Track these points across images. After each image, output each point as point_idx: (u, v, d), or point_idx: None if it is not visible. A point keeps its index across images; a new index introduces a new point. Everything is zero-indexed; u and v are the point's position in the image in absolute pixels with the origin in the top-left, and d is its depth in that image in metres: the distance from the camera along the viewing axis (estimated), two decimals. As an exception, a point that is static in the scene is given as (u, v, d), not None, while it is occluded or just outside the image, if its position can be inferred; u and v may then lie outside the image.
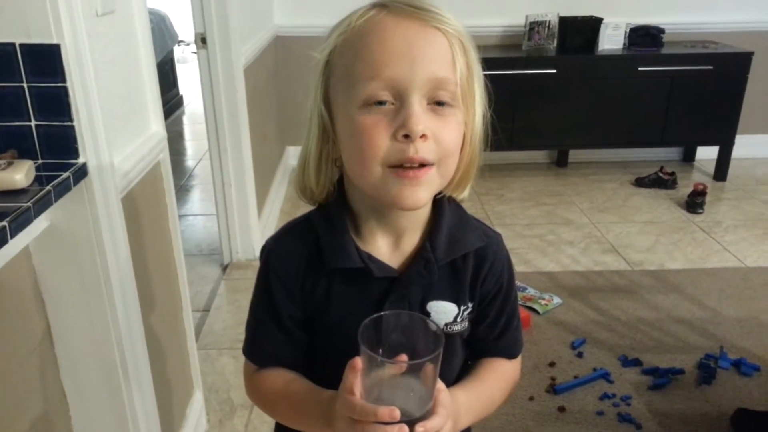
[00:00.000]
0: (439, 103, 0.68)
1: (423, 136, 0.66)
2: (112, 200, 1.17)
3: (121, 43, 1.33)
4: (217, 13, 2.46)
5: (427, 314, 0.78)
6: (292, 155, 4.06)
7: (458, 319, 0.80)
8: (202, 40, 2.52)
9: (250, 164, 2.75)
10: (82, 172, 1.08)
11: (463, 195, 0.81)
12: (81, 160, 1.09)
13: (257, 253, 3.03)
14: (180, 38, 6.04)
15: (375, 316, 0.66)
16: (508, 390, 0.88)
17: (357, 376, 0.64)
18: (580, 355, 2.16)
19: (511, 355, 0.88)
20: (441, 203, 0.79)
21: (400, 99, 0.67)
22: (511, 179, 3.83)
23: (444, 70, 0.67)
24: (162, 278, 1.59)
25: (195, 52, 2.55)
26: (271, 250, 0.82)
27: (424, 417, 0.64)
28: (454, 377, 0.83)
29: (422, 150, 0.67)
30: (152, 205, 1.50)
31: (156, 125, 1.51)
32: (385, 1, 0.71)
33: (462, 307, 0.80)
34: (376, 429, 0.61)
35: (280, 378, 0.81)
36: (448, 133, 0.69)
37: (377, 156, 0.67)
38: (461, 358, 0.86)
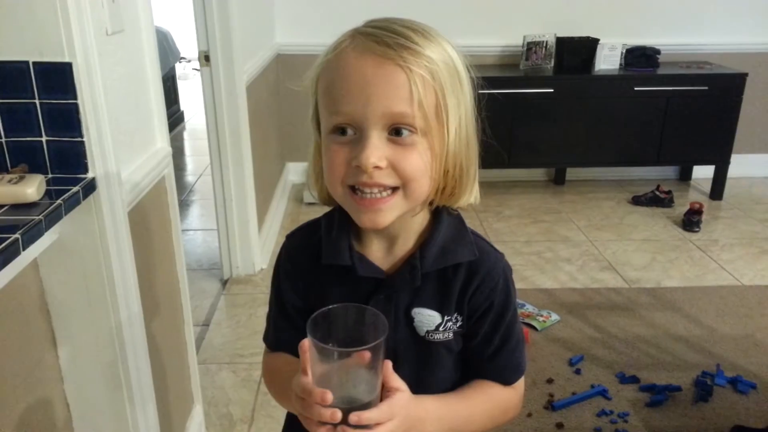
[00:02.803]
0: (400, 133, 0.71)
1: (377, 167, 0.71)
2: (119, 214, 1.19)
3: (129, 61, 1.36)
4: (221, 32, 2.51)
5: (411, 319, 0.82)
6: (292, 171, 4.10)
7: (440, 329, 0.82)
8: (205, 58, 2.56)
9: (251, 180, 2.78)
10: (91, 186, 1.10)
11: (462, 203, 0.81)
12: (90, 174, 1.11)
13: (257, 268, 3.05)
14: (181, 55, 6.11)
15: (323, 309, 0.70)
16: (497, 416, 0.86)
17: (307, 358, 0.69)
18: (577, 371, 2.17)
19: (503, 379, 0.86)
20: (439, 214, 0.82)
21: (359, 131, 0.72)
22: (509, 196, 3.86)
23: (400, 104, 0.70)
24: (165, 292, 1.61)
25: (196, 69, 2.59)
26: (284, 245, 0.90)
27: (367, 406, 0.67)
28: (440, 389, 0.84)
29: (377, 177, 0.71)
30: (157, 219, 1.53)
31: (161, 140, 1.53)
32: (360, 29, 0.75)
33: (446, 317, 0.82)
34: (314, 409, 0.66)
35: (280, 360, 0.88)
36: (408, 162, 0.72)
37: (338, 178, 0.74)
38: (450, 372, 0.86)
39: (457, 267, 0.81)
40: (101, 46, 1.15)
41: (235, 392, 2.14)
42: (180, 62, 6.44)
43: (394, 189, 0.73)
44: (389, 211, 0.74)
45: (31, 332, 1.13)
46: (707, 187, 3.88)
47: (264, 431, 1.97)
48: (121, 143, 1.27)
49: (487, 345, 0.84)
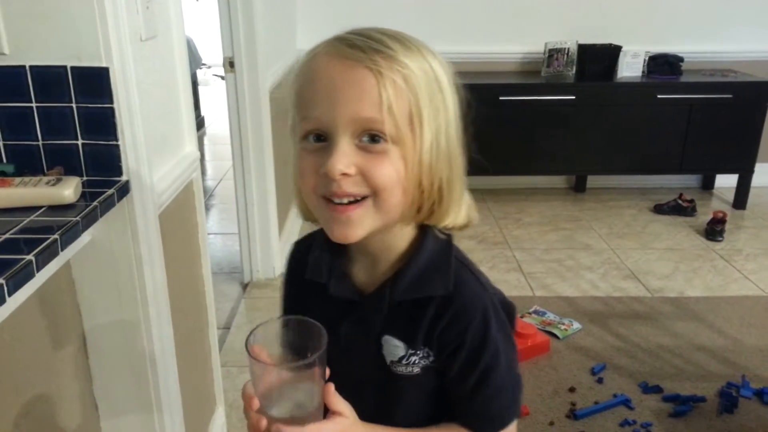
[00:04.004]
0: (372, 140, 0.68)
1: (345, 174, 0.67)
2: (150, 217, 1.21)
3: (161, 67, 1.38)
4: (246, 38, 2.53)
5: (381, 346, 0.78)
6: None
7: (403, 362, 0.77)
8: (230, 64, 2.59)
9: (272, 185, 2.80)
10: (125, 190, 1.12)
11: (448, 223, 0.75)
12: (124, 177, 1.13)
13: (277, 272, 3.06)
14: (203, 61, 6.17)
15: (262, 323, 0.69)
16: None
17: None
18: (600, 380, 2.15)
19: (474, 427, 0.79)
20: (425, 236, 0.77)
21: (329, 137, 0.68)
22: (528, 203, 3.84)
23: (369, 110, 0.66)
24: (191, 294, 1.62)
25: (216, 75, 2.62)
26: (290, 251, 0.91)
27: (306, 418, 0.68)
28: (406, 422, 0.80)
29: (346, 185, 0.68)
30: (184, 222, 1.55)
31: (190, 145, 1.55)
32: (338, 35, 0.72)
33: (410, 351, 0.77)
34: (247, 414, 0.70)
35: None
36: (379, 169, 0.68)
37: (310, 187, 0.71)
38: (419, 407, 0.81)
39: (430, 299, 0.75)
40: (136, 52, 1.17)
41: (256, 395, 2.15)
42: (201, 68, 6.52)
43: (364, 198, 0.69)
44: (359, 222, 0.70)
45: (62, 332, 1.15)
46: (730, 196, 3.84)
47: (285, 435, 1.98)
48: (153, 147, 1.29)
49: (460, 385, 0.77)
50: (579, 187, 4.07)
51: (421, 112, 0.68)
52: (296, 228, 3.41)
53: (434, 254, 0.76)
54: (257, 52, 2.57)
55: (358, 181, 0.68)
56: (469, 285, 0.76)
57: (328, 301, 0.79)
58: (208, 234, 3.61)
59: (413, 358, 0.77)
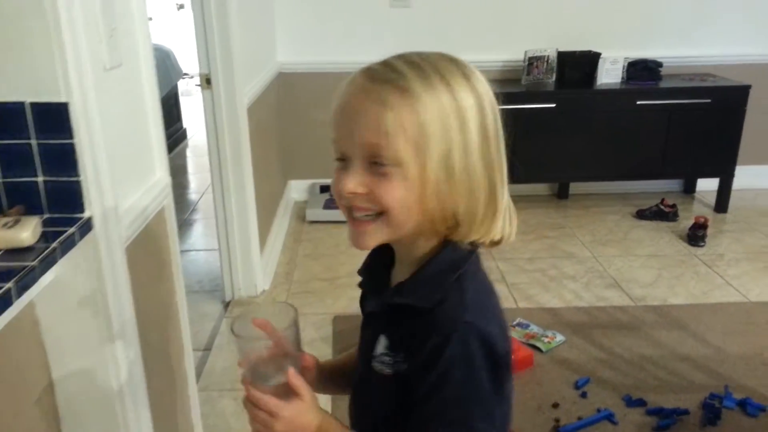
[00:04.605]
0: (378, 163, 0.74)
1: (353, 192, 0.76)
2: (116, 252, 1.18)
3: (127, 94, 1.35)
4: (222, 55, 2.51)
5: (377, 343, 0.84)
6: (294, 189, 4.09)
7: (380, 358, 0.82)
8: (206, 81, 2.56)
9: (252, 202, 2.77)
10: (87, 227, 1.09)
11: (474, 238, 0.79)
12: (87, 214, 1.10)
13: (259, 289, 3.02)
14: (184, 72, 6.13)
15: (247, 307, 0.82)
16: None
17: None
18: (584, 395, 2.14)
19: None
20: (443, 249, 0.80)
21: (347, 159, 0.77)
22: (512, 212, 3.84)
23: (375, 137, 0.73)
24: (164, 323, 1.59)
25: (198, 85, 2.59)
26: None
27: (276, 388, 0.79)
28: (374, 420, 0.84)
29: (359, 202, 0.76)
30: (156, 250, 1.51)
31: (160, 171, 1.52)
32: (371, 63, 0.78)
33: (389, 350, 0.81)
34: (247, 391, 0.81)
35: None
36: (384, 190, 0.74)
37: (338, 201, 0.80)
38: (385, 410, 0.82)
39: (418, 308, 0.78)
40: (99, 83, 1.15)
41: (236, 420, 2.12)
42: (183, 78, 6.47)
43: (379, 214, 0.76)
44: (371, 235, 0.78)
45: (27, 372, 1.12)
46: (712, 200, 3.86)
47: (267, 459, 1.95)
48: (120, 178, 1.26)
49: (413, 397, 0.77)
50: (562, 194, 4.08)
51: (428, 140, 0.73)
52: (278, 244, 3.38)
53: (442, 267, 0.79)
54: (234, 69, 2.55)
55: (368, 199, 0.76)
56: (451, 305, 0.76)
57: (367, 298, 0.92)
58: (190, 250, 3.59)
59: (386, 358, 0.81)
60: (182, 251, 3.52)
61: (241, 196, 2.74)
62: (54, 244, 0.98)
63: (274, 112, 3.61)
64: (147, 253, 1.44)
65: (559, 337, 2.46)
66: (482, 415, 0.75)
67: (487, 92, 0.79)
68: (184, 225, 3.89)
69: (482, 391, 0.74)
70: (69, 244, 1.03)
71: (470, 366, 0.74)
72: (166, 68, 5.24)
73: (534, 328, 2.52)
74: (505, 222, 0.82)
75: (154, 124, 1.49)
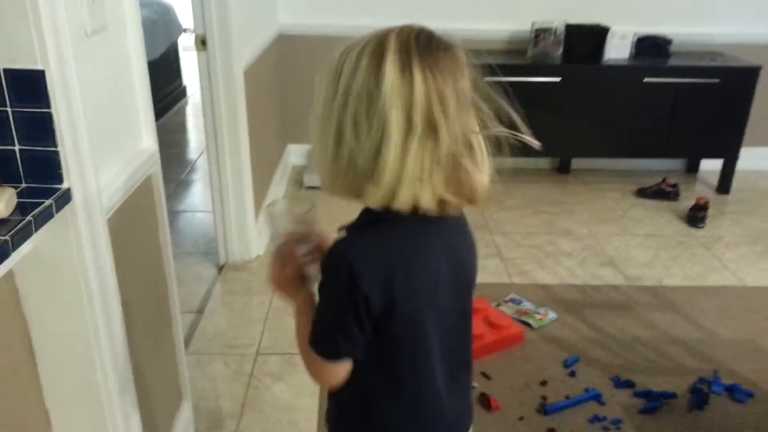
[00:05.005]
0: None
1: None
2: (97, 224, 1.15)
3: (112, 60, 1.31)
4: (218, 15, 2.44)
5: None
6: (294, 153, 4.05)
7: None
8: (202, 42, 2.49)
9: (248, 167, 2.73)
10: (65, 198, 1.06)
11: (376, 204, 0.85)
12: (65, 185, 1.07)
13: (253, 254, 3.00)
14: (185, 27, 5.99)
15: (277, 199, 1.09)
16: (304, 355, 0.96)
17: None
18: (572, 374, 2.14)
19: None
20: (362, 210, 0.93)
21: None
22: (511, 185, 3.79)
23: None
24: (151, 291, 1.58)
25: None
26: None
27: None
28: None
29: None
30: (142, 220, 1.49)
31: (147, 139, 1.49)
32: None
33: None
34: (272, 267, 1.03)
35: None
36: None
37: None
38: None
39: None
40: (79, 49, 1.11)
41: (225, 385, 2.12)
42: (185, 32, 6.33)
43: None
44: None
45: (7, 341, 1.10)
46: (714, 180, 3.81)
47: (252, 426, 1.96)
48: (102, 148, 1.22)
49: None
50: (563, 169, 4.03)
51: (319, 96, 0.86)
52: (274, 209, 3.35)
53: (355, 223, 0.91)
54: (231, 31, 2.48)
55: None
56: (342, 241, 0.89)
57: None
58: (186, 211, 3.57)
59: None
60: (178, 212, 3.50)
61: (237, 160, 2.70)
62: (28, 218, 0.96)
63: (273, 75, 3.55)
64: (132, 223, 1.41)
65: (551, 315, 2.45)
66: (338, 328, 0.88)
67: (391, 71, 0.79)
68: (181, 185, 3.85)
69: (337, 313, 0.88)
70: (45, 217, 1.01)
71: (331, 285, 0.88)
72: (166, 24, 5.14)
73: (526, 305, 2.51)
74: (418, 190, 0.82)
75: (141, 89, 1.45)
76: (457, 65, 0.83)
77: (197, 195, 3.78)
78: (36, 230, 0.98)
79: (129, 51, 1.38)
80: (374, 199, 0.83)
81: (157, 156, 1.53)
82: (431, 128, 0.80)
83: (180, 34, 5.61)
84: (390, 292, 0.85)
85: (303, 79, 3.78)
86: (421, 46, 0.80)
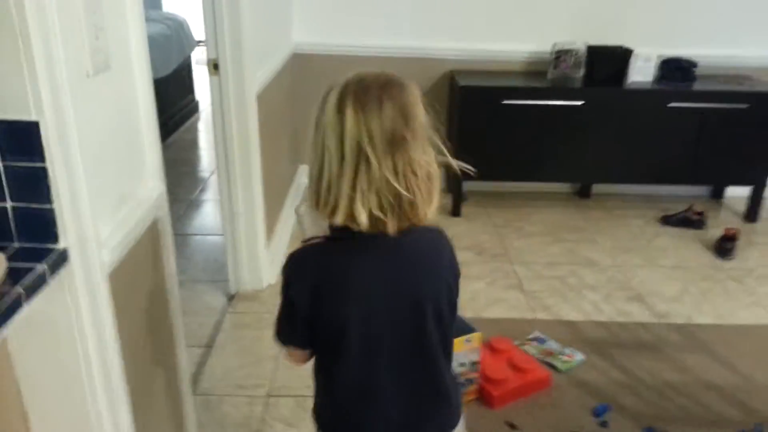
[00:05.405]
0: None
1: None
2: (96, 284, 1.05)
3: (117, 100, 1.21)
4: (231, 39, 2.35)
5: None
6: (304, 173, 3.94)
7: None
8: (214, 66, 2.40)
9: (260, 194, 2.63)
10: (60, 260, 0.96)
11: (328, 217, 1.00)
12: (61, 245, 0.97)
13: (265, 283, 2.88)
14: (198, 40, 5.92)
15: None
16: None
17: None
18: (603, 424, 2.01)
19: None
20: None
21: None
22: (531, 210, 3.68)
23: None
24: (156, 341, 1.47)
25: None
26: None
27: None
28: None
29: None
30: (148, 268, 1.38)
31: (154, 180, 1.38)
32: None
33: None
34: None
35: None
36: None
37: None
38: None
39: None
40: (80, 92, 1.01)
41: (235, 431, 2.01)
42: (198, 45, 6.26)
43: None
44: None
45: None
46: (740, 207, 3.67)
47: (263, 478, 1.85)
48: (104, 198, 1.12)
49: None
50: (583, 193, 3.90)
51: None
52: (286, 237, 3.24)
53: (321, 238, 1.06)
54: (244, 55, 2.39)
55: None
56: (291, 253, 1.07)
57: None
58: (196, 235, 3.47)
59: None
60: (188, 235, 3.40)
61: (248, 186, 2.60)
62: (18, 289, 0.85)
63: (287, 96, 3.45)
64: (136, 274, 1.30)
65: (579, 357, 2.32)
66: (283, 321, 1.08)
67: (353, 116, 0.94)
68: (191, 205, 3.75)
69: (282, 308, 1.07)
70: (38, 283, 0.90)
71: (283, 284, 1.06)
72: (180, 39, 5.08)
73: (551, 345, 2.38)
74: (353, 210, 0.94)
75: (148, 128, 1.35)
76: (397, 105, 0.95)
77: (208, 216, 3.66)
78: (27, 300, 0.88)
79: (136, 88, 1.28)
80: (326, 216, 0.99)
81: (164, 197, 1.42)
82: (362, 158, 0.93)
83: (193, 48, 5.54)
84: (316, 302, 1.00)
85: (316, 98, 3.67)
86: (360, 90, 0.95)
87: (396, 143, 0.94)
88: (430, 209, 0.99)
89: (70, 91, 0.95)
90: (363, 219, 0.94)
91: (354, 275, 1.00)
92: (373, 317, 1.01)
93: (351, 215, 0.95)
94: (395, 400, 1.07)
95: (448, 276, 1.07)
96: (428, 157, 0.98)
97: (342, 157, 0.94)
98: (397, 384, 1.06)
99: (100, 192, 1.09)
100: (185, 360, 1.61)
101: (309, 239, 1.05)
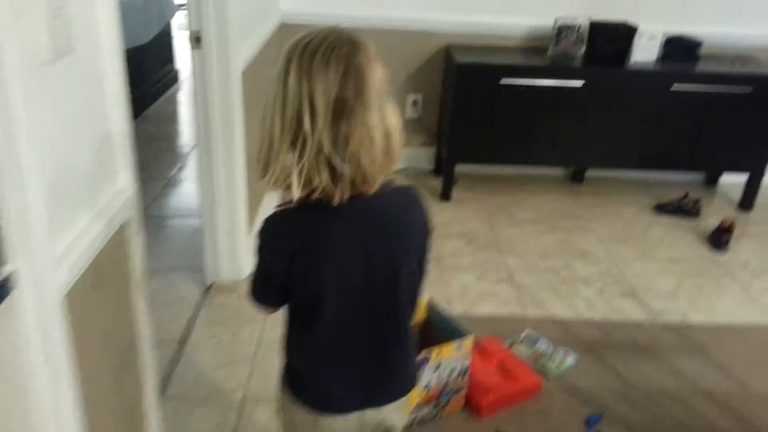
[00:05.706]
0: None
1: None
2: (50, 309, 0.91)
3: (82, 87, 1.06)
4: (216, 10, 2.16)
5: None
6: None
7: None
8: (196, 40, 2.22)
9: (242, 181, 2.48)
10: (6, 288, 0.82)
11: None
12: (9, 268, 0.83)
13: (244, 273, 2.72)
14: (179, 4, 5.64)
15: None
16: None
17: None
18: (596, 434, 1.94)
19: None
20: None
21: None
22: (523, 195, 3.56)
23: None
24: (120, 372, 1.33)
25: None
26: None
27: None
28: None
29: None
30: (113, 280, 1.24)
31: (124, 179, 1.24)
32: None
33: None
34: None
35: None
36: None
37: None
38: None
39: None
40: (35, 81, 0.86)
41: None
42: (180, 9, 5.98)
43: None
44: None
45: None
46: (735, 194, 3.58)
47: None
48: (63, 204, 0.98)
49: None
50: (577, 177, 3.79)
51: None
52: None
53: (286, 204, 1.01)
54: (229, 28, 2.21)
55: None
56: (266, 219, 1.03)
57: None
58: (173, 217, 3.29)
59: None
60: (164, 217, 3.24)
61: (231, 172, 2.44)
62: (-52, 332, 0.72)
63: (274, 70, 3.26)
64: (99, 289, 1.16)
65: (570, 360, 2.23)
66: (255, 287, 1.09)
67: (311, 81, 0.90)
68: (169, 184, 3.57)
69: (257, 271, 1.06)
70: (-25, 321, 0.77)
71: (259, 243, 1.03)
72: (160, 3, 4.82)
73: (543, 345, 2.29)
74: (312, 178, 0.92)
75: (118, 119, 1.19)
76: (346, 68, 0.90)
77: (187, 197, 3.46)
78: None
79: (104, 72, 1.13)
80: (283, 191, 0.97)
81: (135, 198, 1.28)
82: (302, 128, 0.90)
83: (173, 14, 5.28)
84: (292, 269, 0.99)
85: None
86: (306, 53, 0.90)
87: (343, 111, 0.90)
88: (391, 168, 0.97)
89: (21, 81, 0.80)
90: (314, 192, 0.93)
91: (329, 245, 0.98)
92: (348, 284, 1.01)
93: (308, 186, 0.93)
94: (361, 360, 1.09)
95: (421, 239, 1.08)
96: (385, 115, 0.94)
97: (282, 127, 0.92)
98: (364, 346, 1.08)
99: (59, 200, 0.95)
100: (152, 378, 1.48)
101: (284, 203, 1.01)
